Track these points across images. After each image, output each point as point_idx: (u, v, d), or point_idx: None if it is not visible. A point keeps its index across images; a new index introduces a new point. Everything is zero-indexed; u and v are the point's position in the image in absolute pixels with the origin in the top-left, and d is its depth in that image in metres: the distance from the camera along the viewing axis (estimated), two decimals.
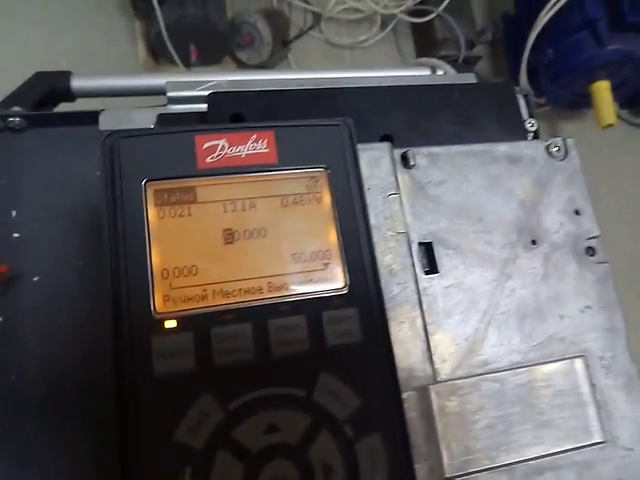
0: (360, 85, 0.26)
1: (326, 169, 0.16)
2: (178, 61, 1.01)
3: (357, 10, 1.19)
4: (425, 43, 1.19)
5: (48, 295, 0.34)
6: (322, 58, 1.20)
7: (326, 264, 0.16)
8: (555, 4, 1.07)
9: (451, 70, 0.44)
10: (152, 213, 0.15)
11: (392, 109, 0.26)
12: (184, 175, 0.15)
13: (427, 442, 0.22)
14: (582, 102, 1.18)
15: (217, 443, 0.14)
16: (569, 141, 0.27)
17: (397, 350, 0.22)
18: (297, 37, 1.16)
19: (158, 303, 0.15)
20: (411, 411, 0.22)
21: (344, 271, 0.16)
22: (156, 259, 0.15)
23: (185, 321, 0.14)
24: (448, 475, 0.21)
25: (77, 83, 0.43)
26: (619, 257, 1.28)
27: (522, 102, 0.32)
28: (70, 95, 0.43)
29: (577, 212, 0.26)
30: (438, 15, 1.20)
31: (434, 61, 0.48)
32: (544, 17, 1.10)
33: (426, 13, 1.22)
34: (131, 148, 0.15)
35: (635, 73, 1.10)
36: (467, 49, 1.16)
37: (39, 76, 0.44)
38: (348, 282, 0.16)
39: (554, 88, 1.17)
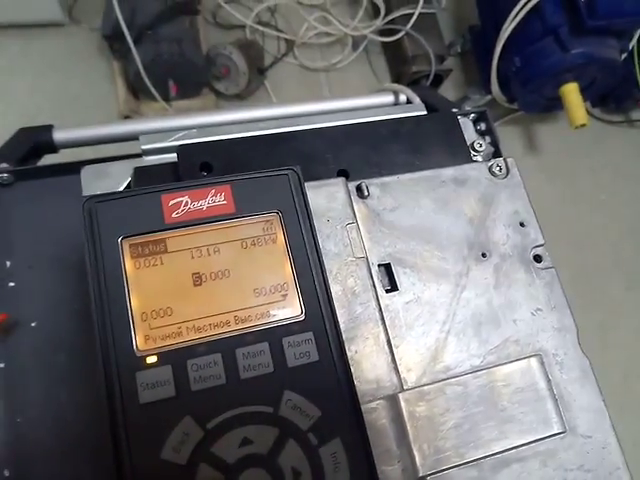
0: (315, 126, 0.29)
1: (278, 213, 0.19)
2: (158, 97, 1.05)
3: (328, 34, 1.24)
4: (397, 60, 1.24)
5: (46, 339, 0.37)
6: (298, 83, 1.24)
7: (284, 295, 0.19)
8: (517, 14, 1.12)
9: (412, 94, 0.47)
10: (129, 265, 0.18)
11: (346, 145, 0.29)
12: (154, 230, 0.18)
13: (399, 445, 0.24)
14: (554, 105, 1.23)
15: (199, 458, 0.16)
16: (510, 160, 0.30)
17: (364, 364, 0.24)
18: (272, 65, 1.20)
19: (140, 342, 0.17)
20: (382, 418, 0.24)
21: (300, 300, 0.19)
22: (135, 304, 0.17)
23: (164, 356, 0.17)
24: (422, 474, 0.24)
25: (59, 136, 0.46)
26: (605, 251, 1.32)
27: (470, 126, 0.35)
28: (53, 147, 0.46)
29: (522, 224, 0.29)
30: (407, 33, 1.25)
31: (396, 87, 0.51)
32: (508, 27, 1.15)
33: (395, 32, 1.27)
34: (107, 210, 0.18)
35: (601, 73, 1.15)
36: (438, 63, 1.20)
37: (22, 132, 0.46)
38: (304, 310, 0.18)
39: (525, 94, 1.22)
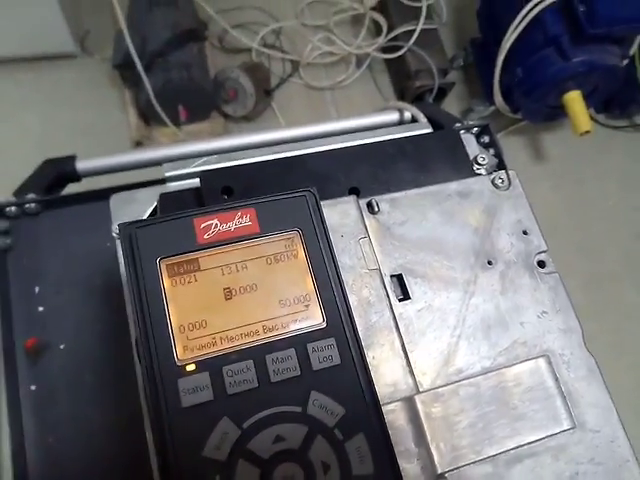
0: (326, 148, 0.32)
1: (298, 231, 0.21)
2: (169, 122, 1.09)
3: (332, 54, 1.28)
4: (400, 76, 1.27)
5: (75, 360, 0.39)
6: (304, 102, 1.27)
7: (307, 306, 0.21)
8: (518, 25, 1.14)
9: (416, 111, 0.49)
10: (167, 283, 0.20)
11: (356, 165, 0.31)
12: (188, 250, 0.20)
13: (417, 444, 0.26)
14: (557, 113, 1.25)
15: (237, 455, 0.18)
16: (511, 172, 0.33)
17: (381, 368, 0.26)
18: (278, 85, 1.24)
19: (180, 352, 0.19)
20: (400, 419, 0.26)
21: (321, 310, 0.21)
22: (174, 318, 0.20)
23: (201, 364, 0.19)
24: (440, 471, 0.25)
25: (82, 165, 0.49)
26: (615, 257, 1.32)
27: (473, 140, 0.37)
28: (76, 177, 0.49)
29: (525, 232, 0.31)
30: (409, 49, 1.29)
31: (401, 104, 0.54)
32: (509, 38, 1.17)
33: (397, 48, 1.30)
34: (145, 234, 0.20)
35: (603, 80, 1.17)
36: (441, 77, 1.23)
37: (47, 163, 0.49)
38: (325, 318, 0.20)
39: (528, 104, 1.24)
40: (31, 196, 0.43)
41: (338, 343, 0.20)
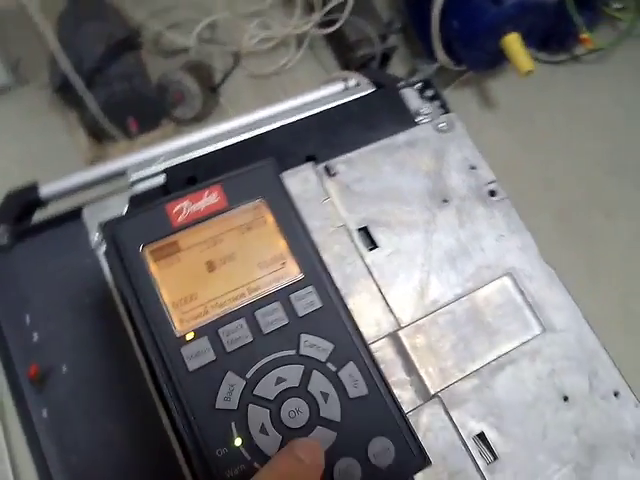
0: (279, 124, 0.34)
1: (264, 199, 0.24)
2: (120, 137, 1.09)
3: (271, 38, 1.28)
4: (342, 49, 1.29)
5: (79, 378, 0.40)
6: (252, 92, 1.28)
7: (283, 263, 0.23)
8: None
9: (358, 76, 0.51)
10: (153, 267, 0.22)
11: (309, 135, 0.33)
12: (166, 234, 0.22)
13: (408, 373, 0.29)
14: (499, 59, 1.28)
15: (246, 401, 0.21)
16: (452, 115, 0.35)
17: (363, 312, 0.29)
18: (223, 80, 1.24)
19: (177, 325, 0.21)
20: (389, 353, 0.29)
21: (297, 264, 0.23)
22: (166, 297, 0.22)
23: (199, 331, 0.21)
24: (432, 392, 0.28)
25: (46, 190, 0.49)
26: (578, 187, 1.38)
27: (415, 94, 0.40)
28: (42, 203, 0.50)
29: (473, 167, 0.34)
30: (346, 20, 1.30)
31: (344, 73, 0.56)
32: None
33: (334, 22, 1.31)
34: (124, 228, 0.22)
35: (538, 19, 1.21)
36: (381, 43, 1.26)
37: (10, 196, 0.50)
38: (302, 270, 0.23)
39: (469, 54, 1.27)
40: (1, 231, 0.43)
41: (317, 289, 0.23)
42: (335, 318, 0.22)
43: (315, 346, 0.22)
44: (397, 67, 1.39)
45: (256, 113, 0.46)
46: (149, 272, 0.22)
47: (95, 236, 0.33)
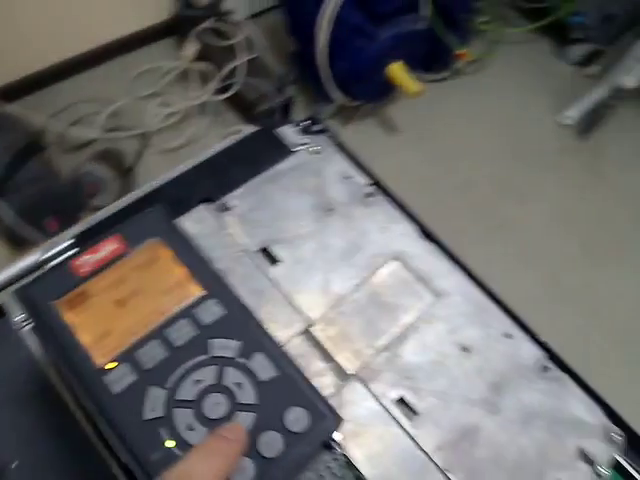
0: (171, 177, 0.39)
1: (158, 237, 0.28)
2: (41, 239, 1.10)
3: (173, 113, 1.36)
4: (244, 109, 1.38)
5: (30, 471, 0.41)
6: (166, 166, 1.33)
7: (185, 286, 0.27)
8: (324, 28, 1.29)
9: (247, 127, 0.58)
10: (67, 316, 0.25)
11: (201, 181, 0.38)
12: (73, 286, 0.26)
13: (326, 361, 0.33)
14: (390, 87, 1.41)
15: (170, 406, 0.24)
16: (321, 138, 0.41)
17: (277, 318, 0.33)
18: (136, 163, 1.29)
19: (97, 359, 0.25)
20: (305, 347, 0.33)
21: (197, 284, 0.27)
22: (83, 339, 0.25)
23: (119, 358, 0.25)
24: (349, 372, 0.33)
25: None
26: (485, 182, 1.50)
27: (295, 129, 0.45)
28: None
29: (348, 177, 0.40)
30: (242, 83, 1.40)
31: (239, 127, 0.62)
32: (321, 42, 1.32)
33: (231, 86, 1.41)
34: (36, 289, 0.26)
35: (413, 45, 1.35)
36: (278, 96, 1.35)
37: None
38: (203, 287, 0.27)
39: (360, 89, 1.40)
40: None
41: (219, 301, 0.27)
42: (239, 321, 0.26)
43: (224, 347, 0.25)
44: (300, 113, 1.50)
45: (162, 177, 0.50)
46: (64, 321, 0.25)
47: (17, 320, 0.36)
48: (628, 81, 1.39)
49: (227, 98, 1.38)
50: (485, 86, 1.61)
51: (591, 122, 1.53)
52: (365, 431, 0.31)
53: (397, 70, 1.33)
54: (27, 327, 0.36)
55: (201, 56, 1.43)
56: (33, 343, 0.36)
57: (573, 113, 1.56)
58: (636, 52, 1.45)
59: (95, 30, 1.38)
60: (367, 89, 1.39)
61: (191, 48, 1.39)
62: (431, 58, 1.56)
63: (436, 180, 1.44)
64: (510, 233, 1.40)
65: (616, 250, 1.43)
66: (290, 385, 0.25)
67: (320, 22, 1.25)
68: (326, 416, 0.25)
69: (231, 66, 1.40)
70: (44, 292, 0.26)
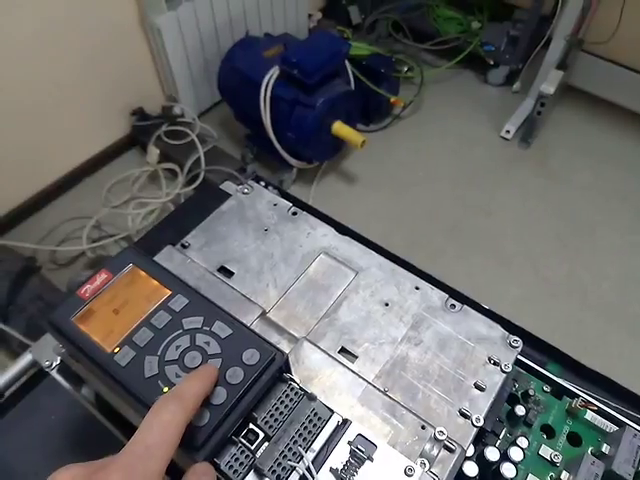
0: (142, 234, 0.52)
1: (133, 264, 0.41)
2: None
3: (151, 211, 1.52)
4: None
5: None
6: None
7: (158, 291, 0.39)
8: (265, 109, 1.49)
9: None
10: (83, 326, 0.38)
11: (165, 230, 0.52)
12: (82, 306, 0.38)
13: (281, 334, 0.44)
14: (340, 143, 1.60)
15: (162, 366, 0.35)
16: (250, 182, 0.56)
17: (238, 312, 0.45)
18: None
19: (108, 348, 0.37)
20: (265, 328, 0.45)
21: (166, 287, 0.39)
22: (96, 338, 0.37)
23: (121, 344, 0.37)
24: (299, 336, 0.44)
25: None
26: (451, 206, 1.66)
27: (233, 186, 0.60)
28: None
29: (275, 204, 0.53)
30: (205, 171, 1.58)
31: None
32: (266, 120, 1.51)
33: (197, 176, 1.58)
34: (59, 314, 0.38)
35: (347, 104, 1.54)
36: (242, 174, 1.53)
37: None
38: (171, 289, 0.39)
39: (312, 152, 1.58)
40: None
41: (183, 295, 0.39)
42: (199, 303, 0.39)
43: (192, 322, 0.37)
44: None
45: None
46: (81, 330, 0.38)
47: (45, 363, 0.47)
48: (547, 88, 1.59)
49: (196, 187, 1.55)
50: (426, 122, 1.81)
51: (529, 131, 1.71)
52: (317, 375, 0.42)
53: (340, 128, 1.52)
54: (54, 370, 0.48)
55: (165, 156, 1.62)
56: (62, 381, 0.47)
57: (511, 127, 1.75)
58: (546, 63, 1.66)
59: (67, 155, 1.57)
60: (318, 151, 1.57)
61: (154, 153, 1.58)
62: (370, 111, 1.77)
63: (404, 213, 1.59)
64: (485, 245, 1.53)
65: (587, 236, 1.56)
66: (242, 337, 0.37)
67: (261, 105, 1.45)
68: (271, 351, 0.37)
69: (193, 159, 1.59)
70: (64, 314, 0.38)
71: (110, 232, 1.50)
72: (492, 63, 1.84)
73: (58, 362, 0.47)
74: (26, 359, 0.63)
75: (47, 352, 0.48)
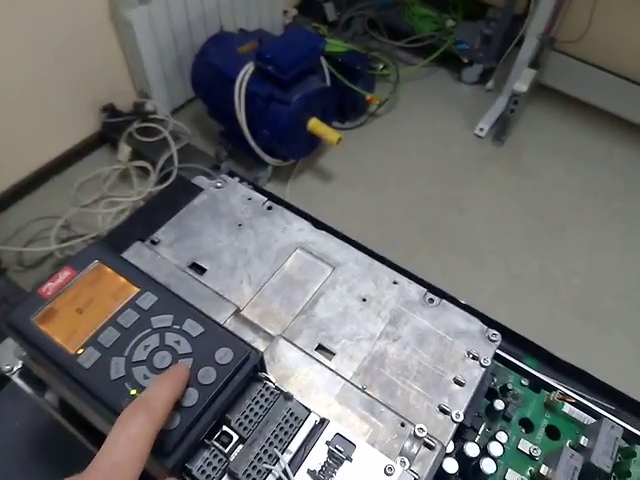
0: (111, 229, 0.50)
1: (99, 261, 0.39)
2: None
3: (122, 211, 1.48)
4: None
5: None
6: None
7: (125, 288, 0.37)
8: (240, 105, 1.46)
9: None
10: (43, 327, 0.35)
11: (133, 226, 0.50)
12: (43, 306, 0.36)
13: (256, 332, 0.43)
14: (315, 140, 1.58)
15: (129, 367, 0.33)
16: (223, 176, 0.54)
17: (211, 311, 0.43)
18: None
19: (71, 349, 0.34)
20: (239, 326, 0.43)
21: (134, 284, 0.37)
22: (59, 339, 0.35)
23: (85, 345, 0.35)
24: (275, 334, 0.43)
25: None
26: (425, 202, 1.66)
27: (205, 180, 0.58)
28: None
29: (249, 199, 0.52)
30: (178, 169, 1.55)
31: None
32: (241, 116, 1.49)
33: (170, 173, 1.55)
34: (17, 314, 0.36)
35: (323, 101, 1.53)
36: (215, 171, 1.50)
37: None
38: (139, 286, 0.37)
39: (288, 149, 1.56)
40: None
41: (152, 292, 0.37)
42: (169, 302, 0.37)
43: (161, 320, 0.36)
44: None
45: None
46: (42, 330, 0.35)
47: (5, 367, 0.45)
48: (520, 86, 1.60)
49: (168, 185, 1.52)
50: (401, 120, 1.82)
51: (502, 129, 1.73)
52: (293, 373, 0.41)
53: (316, 125, 1.51)
54: (15, 374, 0.45)
55: (136, 154, 1.58)
56: (24, 385, 0.45)
57: (484, 125, 1.76)
58: (519, 61, 1.68)
59: (34, 153, 1.52)
60: (293, 148, 1.55)
61: (125, 150, 1.54)
62: (346, 108, 1.76)
63: (380, 211, 1.59)
64: (459, 242, 1.54)
65: (558, 232, 1.58)
66: (215, 335, 0.36)
67: (235, 101, 1.43)
68: (245, 349, 0.35)
69: (165, 157, 1.55)
70: (23, 314, 0.36)
71: (79, 232, 1.45)
72: (466, 61, 1.85)
73: (20, 366, 0.44)
74: None
75: (8, 356, 0.45)
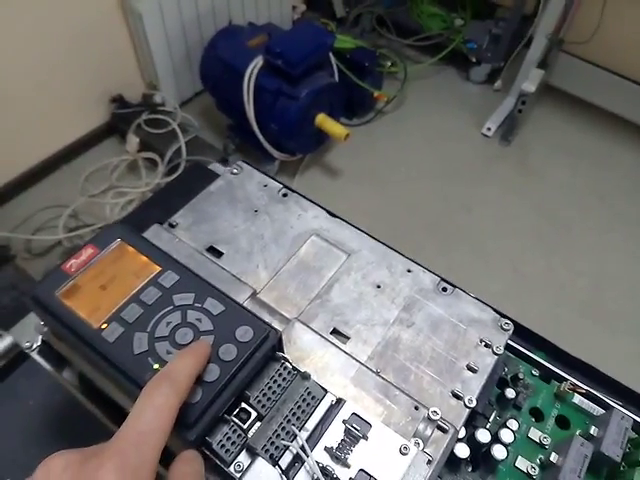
0: (128, 213, 0.50)
1: (121, 239, 0.39)
2: None
3: (130, 201, 1.49)
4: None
5: None
6: None
7: (147, 267, 0.38)
8: (249, 99, 1.47)
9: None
10: (68, 302, 0.36)
11: (151, 210, 0.50)
12: (67, 281, 0.37)
13: (272, 315, 0.44)
14: (323, 136, 1.59)
15: (152, 342, 0.34)
16: (239, 163, 0.54)
17: (230, 291, 0.44)
18: None
19: (95, 324, 0.35)
20: (257, 308, 0.44)
21: (156, 263, 0.38)
22: (83, 313, 0.36)
23: (108, 320, 0.35)
24: (290, 317, 0.43)
25: None
26: (434, 199, 1.67)
27: (221, 167, 0.58)
28: None
29: (265, 185, 0.52)
30: (187, 161, 1.55)
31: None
32: (250, 110, 1.50)
33: (178, 166, 1.55)
34: (42, 289, 0.36)
35: (330, 97, 1.54)
36: (223, 165, 1.51)
37: None
38: (160, 265, 0.38)
39: (295, 144, 1.57)
40: None
41: (173, 271, 0.38)
42: (190, 280, 0.37)
43: (183, 298, 0.36)
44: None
45: None
46: (66, 305, 0.36)
47: (26, 344, 0.45)
48: (528, 86, 1.61)
49: (176, 177, 1.52)
50: (408, 118, 1.82)
51: (509, 129, 1.73)
52: (309, 355, 0.41)
53: (324, 121, 1.51)
54: (35, 351, 0.46)
55: (145, 146, 1.59)
56: (43, 362, 0.45)
57: (492, 124, 1.76)
58: (527, 61, 1.69)
59: (43, 142, 1.53)
60: (301, 143, 1.56)
61: (133, 141, 1.55)
62: (353, 105, 1.77)
63: (386, 208, 1.59)
64: (465, 241, 1.55)
65: (564, 233, 1.58)
66: (235, 313, 0.36)
67: (244, 95, 1.44)
68: (265, 328, 0.36)
69: (174, 149, 1.56)
70: (48, 289, 0.37)
71: (87, 222, 1.46)
72: (474, 61, 1.86)
73: (39, 343, 0.45)
74: (3, 343, 0.61)
75: (28, 333, 0.46)
